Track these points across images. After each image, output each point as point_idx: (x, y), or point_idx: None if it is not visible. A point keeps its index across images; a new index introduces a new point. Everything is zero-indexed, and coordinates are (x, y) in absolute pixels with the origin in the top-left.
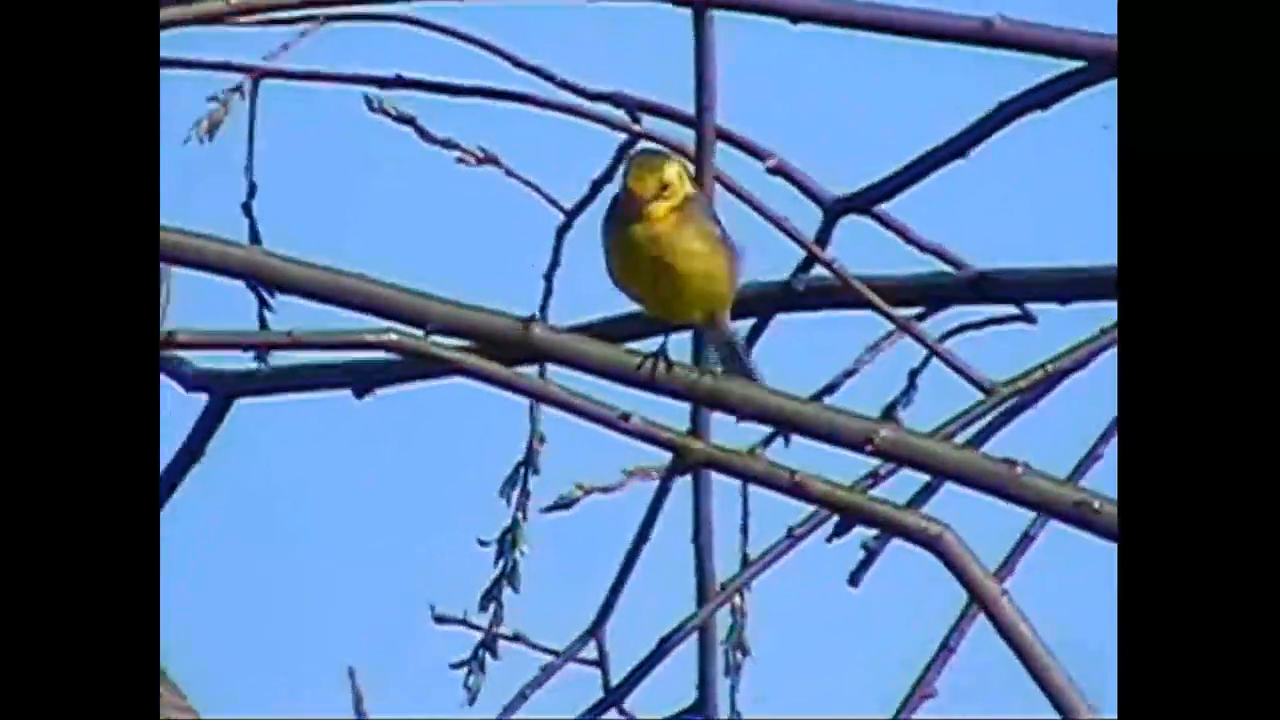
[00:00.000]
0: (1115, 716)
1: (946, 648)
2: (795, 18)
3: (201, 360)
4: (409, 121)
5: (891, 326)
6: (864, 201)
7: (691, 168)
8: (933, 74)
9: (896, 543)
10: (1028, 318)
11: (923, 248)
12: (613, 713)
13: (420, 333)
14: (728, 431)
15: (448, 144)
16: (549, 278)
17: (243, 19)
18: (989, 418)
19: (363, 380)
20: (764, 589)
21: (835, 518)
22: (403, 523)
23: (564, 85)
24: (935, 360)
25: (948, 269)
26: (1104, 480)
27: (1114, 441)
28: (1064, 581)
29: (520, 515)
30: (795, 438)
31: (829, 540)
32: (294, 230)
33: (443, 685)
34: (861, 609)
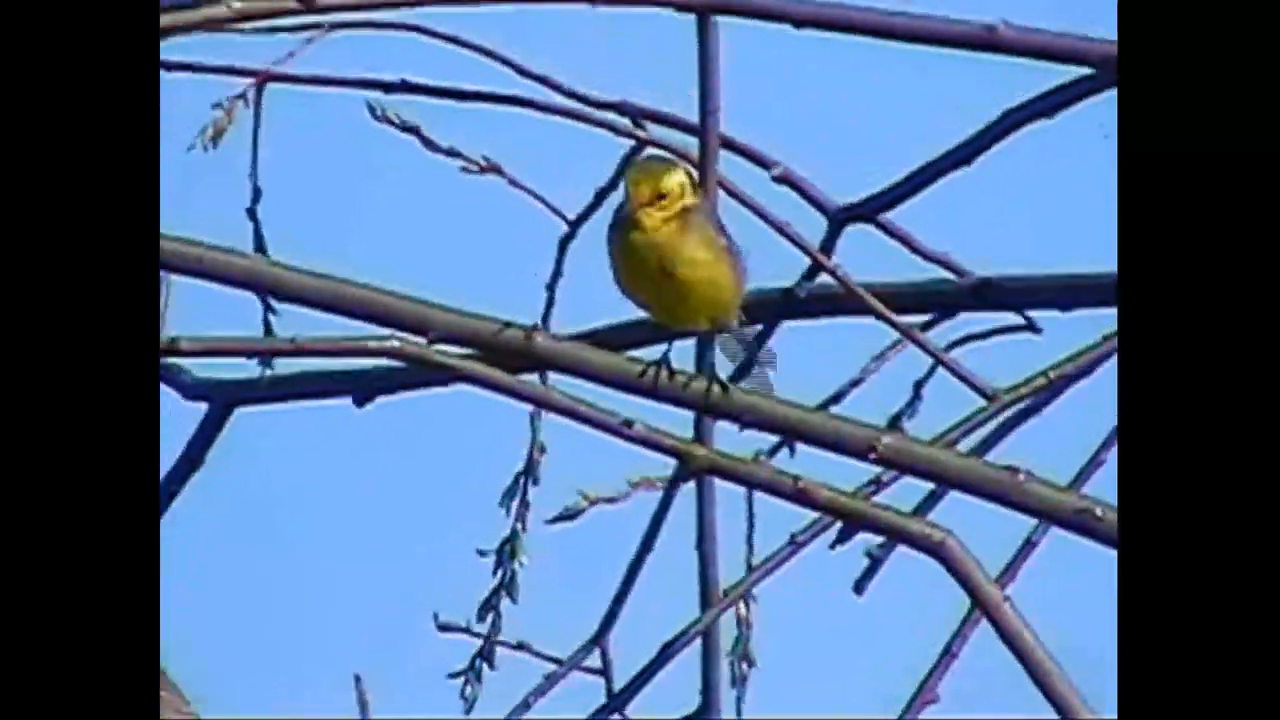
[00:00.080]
0: None
1: (949, 653)
2: (798, 23)
3: (201, 369)
4: (413, 130)
5: (896, 335)
6: (868, 211)
7: (696, 175)
8: (936, 80)
9: (899, 549)
10: (1032, 327)
11: (927, 256)
12: (615, 718)
13: (423, 341)
14: (731, 439)
15: (451, 152)
16: (551, 288)
17: (247, 26)
18: (992, 425)
19: (363, 389)
20: (767, 594)
21: (838, 524)
22: (404, 532)
23: (569, 94)
24: (938, 367)
25: (951, 277)
26: (1106, 487)
27: (1116, 448)
28: (1066, 588)
29: (520, 526)
30: (799, 445)
31: (832, 547)
32: (297, 237)
33: (443, 694)
34: (864, 614)
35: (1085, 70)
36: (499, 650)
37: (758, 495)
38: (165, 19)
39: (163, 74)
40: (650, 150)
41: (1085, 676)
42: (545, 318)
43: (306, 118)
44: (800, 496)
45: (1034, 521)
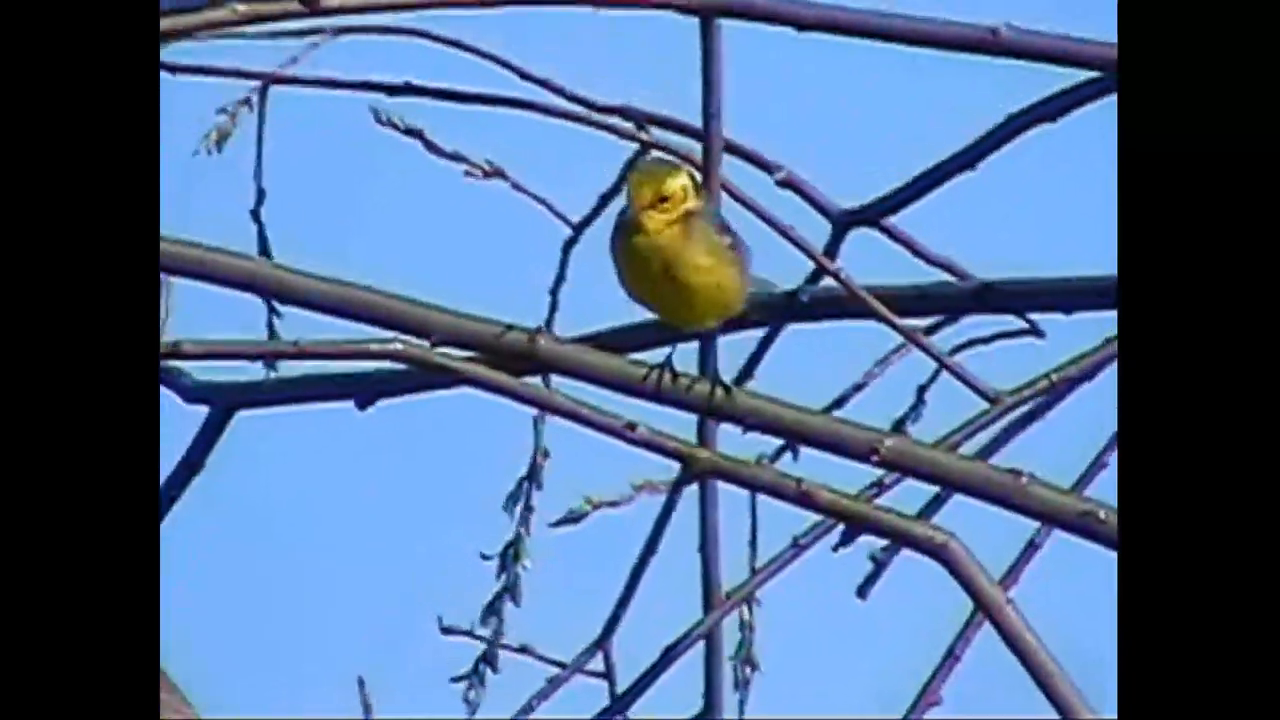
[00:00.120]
0: None
1: (952, 656)
2: (801, 26)
3: (201, 372)
4: (416, 133)
5: (899, 338)
6: (871, 214)
7: (699, 178)
8: (940, 84)
9: (902, 552)
10: (1035, 331)
11: (930, 260)
12: None
13: (426, 344)
14: (734, 442)
15: (455, 156)
16: (554, 291)
17: (251, 30)
18: (995, 428)
19: (366, 392)
20: (770, 597)
21: (841, 527)
22: (406, 535)
23: (572, 97)
24: (941, 370)
25: (954, 280)
26: (1109, 490)
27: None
28: (1069, 590)
29: (523, 529)
30: (802, 448)
31: (835, 549)
32: (301, 240)
33: (446, 697)
34: (867, 617)
35: (1089, 74)
36: (502, 653)
37: (761, 498)
38: (170, 22)
39: (168, 77)
40: (653, 153)
41: (1088, 679)
42: (549, 321)
43: (310, 121)
44: (803, 499)
45: (1037, 524)
